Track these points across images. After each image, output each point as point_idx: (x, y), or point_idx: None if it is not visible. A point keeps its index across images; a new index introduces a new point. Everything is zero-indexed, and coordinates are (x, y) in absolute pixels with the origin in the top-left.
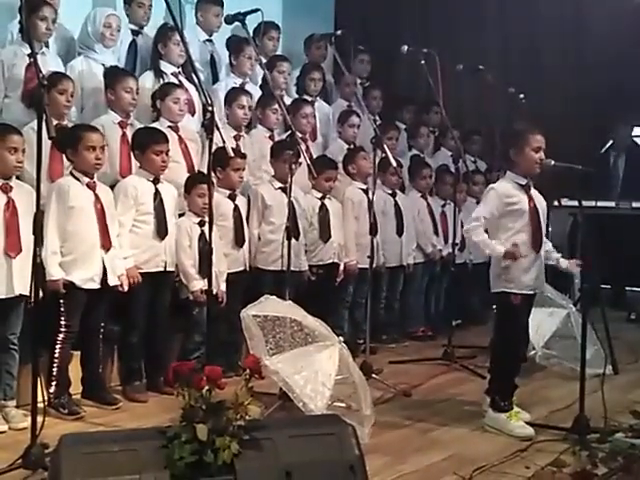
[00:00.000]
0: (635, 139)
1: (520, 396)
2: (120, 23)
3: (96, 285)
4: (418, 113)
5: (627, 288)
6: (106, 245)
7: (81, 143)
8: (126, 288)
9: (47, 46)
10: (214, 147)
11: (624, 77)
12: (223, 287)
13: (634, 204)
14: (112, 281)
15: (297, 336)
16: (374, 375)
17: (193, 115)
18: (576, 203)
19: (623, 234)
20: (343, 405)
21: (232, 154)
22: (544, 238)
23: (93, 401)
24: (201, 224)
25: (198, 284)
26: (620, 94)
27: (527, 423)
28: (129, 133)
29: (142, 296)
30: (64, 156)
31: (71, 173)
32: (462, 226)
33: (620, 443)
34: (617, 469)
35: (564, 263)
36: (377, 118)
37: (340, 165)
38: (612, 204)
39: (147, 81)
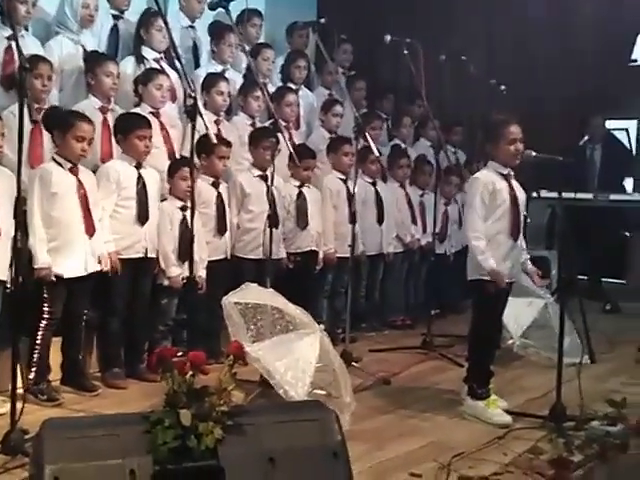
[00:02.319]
0: (612, 132)
1: (498, 384)
2: (98, 3)
3: (80, 272)
4: (400, 103)
5: (603, 279)
6: (89, 231)
7: (71, 131)
8: (107, 269)
9: (26, 29)
10: (197, 134)
11: (599, 70)
12: (203, 274)
13: (611, 196)
14: (94, 267)
15: (278, 323)
16: (354, 363)
17: (174, 101)
18: (554, 194)
19: (600, 226)
20: (323, 392)
21: (216, 141)
22: (524, 245)
23: (72, 387)
24: (183, 209)
25: (176, 270)
26: (595, 87)
27: (505, 411)
28: (110, 118)
29: (122, 282)
30: (44, 140)
31: (53, 158)
32: (447, 217)
33: (596, 431)
34: (593, 456)
35: (530, 273)
36: (361, 108)
37: (323, 153)
38: (590, 196)
39: (128, 66)
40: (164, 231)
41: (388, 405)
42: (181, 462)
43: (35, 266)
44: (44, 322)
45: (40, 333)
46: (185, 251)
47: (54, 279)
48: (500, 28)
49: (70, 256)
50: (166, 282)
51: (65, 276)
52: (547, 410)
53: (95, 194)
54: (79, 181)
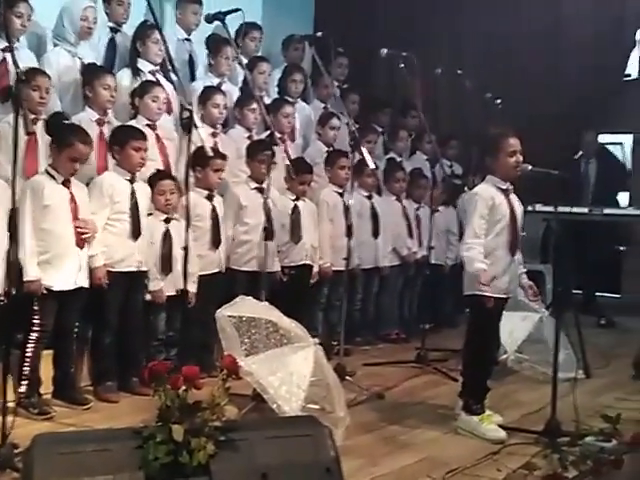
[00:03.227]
0: (607, 146)
1: (492, 399)
2: (97, 15)
3: (71, 285)
4: (396, 116)
5: (598, 293)
6: (81, 244)
7: (67, 150)
8: (86, 285)
9: (18, 40)
10: (193, 146)
11: (594, 85)
12: (193, 289)
13: (606, 210)
14: (84, 281)
15: (272, 337)
16: (348, 377)
17: (170, 114)
18: (549, 208)
19: (595, 240)
20: (317, 407)
21: (212, 154)
22: (520, 259)
23: (64, 401)
24: (166, 221)
25: (158, 284)
26: (589, 102)
27: (499, 426)
28: (106, 131)
29: (115, 296)
30: (39, 152)
31: (46, 171)
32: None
33: (590, 447)
34: (587, 472)
35: (525, 287)
36: (354, 121)
37: (320, 166)
38: (585, 210)
39: (124, 79)
40: (147, 245)
41: (382, 420)
42: (173, 478)
43: (25, 279)
44: (35, 335)
45: (31, 346)
46: (167, 265)
47: (44, 292)
48: (494, 43)
49: (61, 269)
50: (148, 297)
51: (55, 289)
52: (542, 425)
53: (87, 207)
54: (71, 194)
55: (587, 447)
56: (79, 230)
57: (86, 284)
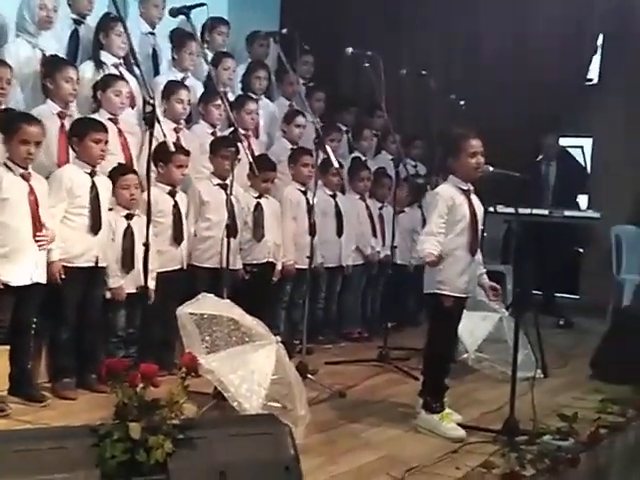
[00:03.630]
0: (568, 149)
1: (452, 398)
2: (56, 4)
3: (28, 281)
4: (361, 116)
5: (557, 294)
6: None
7: (16, 135)
8: (43, 280)
9: None
10: (155, 141)
11: (556, 89)
12: (152, 285)
13: (566, 212)
14: (41, 278)
15: (234, 335)
16: (310, 375)
17: (133, 108)
18: (511, 210)
19: (554, 241)
20: (278, 405)
21: (174, 149)
22: (480, 260)
23: (20, 398)
24: (128, 217)
25: (118, 281)
26: (551, 105)
27: (459, 425)
28: (67, 124)
29: (73, 291)
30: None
31: (5, 163)
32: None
33: (548, 445)
34: (544, 470)
35: (485, 287)
36: (319, 120)
37: (285, 163)
38: (545, 212)
39: (87, 71)
40: (108, 241)
41: (342, 418)
42: (130, 476)
43: None
44: None
45: None
46: (129, 261)
47: (1, 287)
48: (460, 44)
49: (18, 263)
50: (108, 294)
51: (12, 284)
52: (500, 424)
53: (47, 200)
54: (30, 187)
55: (545, 446)
56: (38, 238)
57: (43, 280)
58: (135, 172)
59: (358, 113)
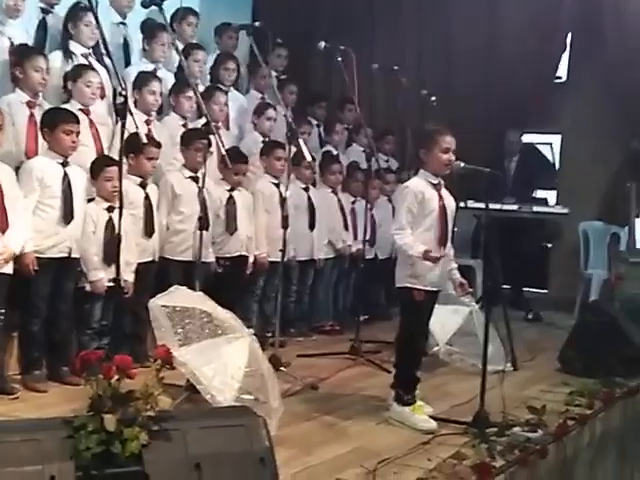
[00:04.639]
0: (536, 145)
1: (423, 390)
2: None
3: None
4: (333, 109)
5: (525, 289)
6: (2, 228)
7: None
8: (9, 270)
9: None
10: (126, 133)
11: (523, 85)
12: (130, 278)
13: (535, 208)
14: (5, 269)
15: (207, 327)
16: (282, 368)
17: (102, 99)
18: (480, 205)
19: (523, 237)
20: (251, 397)
21: (146, 141)
22: (451, 254)
23: None
24: (109, 210)
25: (98, 274)
26: (519, 102)
27: (430, 417)
28: (37, 113)
29: (44, 283)
30: None
31: None
32: (373, 222)
33: (517, 437)
34: (514, 461)
35: (454, 282)
36: (290, 112)
37: (256, 156)
38: (514, 207)
39: (56, 61)
40: (86, 234)
41: (315, 410)
42: (105, 468)
43: None
44: None
45: None
46: (111, 254)
47: None
48: (431, 40)
49: None
50: (88, 287)
51: None
52: (471, 416)
53: (13, 190)
54: None
55: (514, 437)
56: None
57: (8, 270)
58: (117, 164)
59: (329, 107)
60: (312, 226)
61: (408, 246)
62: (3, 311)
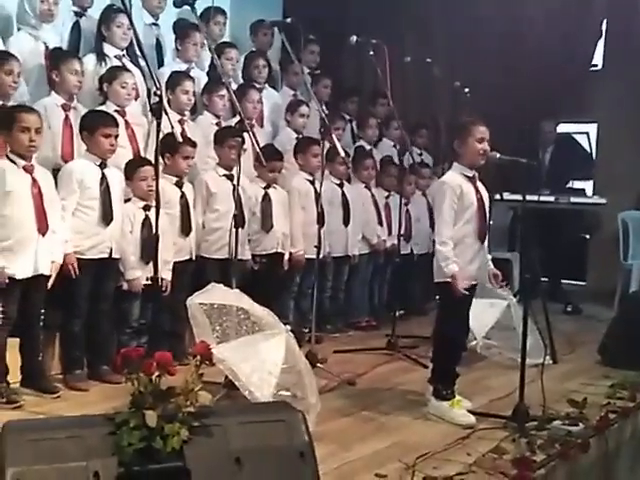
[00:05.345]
0: (573, 135)
1: (462, 385)
2: None
3: (32, 272)
4: (365, 104)
5: (563, 281)
6: (42, 230)
7: (15, 124)
8: (54, 275)
9: None
10: (161, 132)
11: (558, 74)
12: (168, 276)
13: (572, 199)
14: (45, 270)
15: (244, 324)
16: (319, 364)
17: (136, 99)
18: (516, 197)
19: (561, 228)
20: (289, 394)
21: (181, 140)
22: (486, 248)
23: (33, 390)
24: (146, 209)
25: (135, 273)
26: (554, 92)
27: (468, 411)
28: (72, 116)
29: (85, 283)
30: None
31: (7, 156)
32: (409, 217)
33: (558, 430)
34: (555, 455)
35: (489, 273)
36: (324, 108)
37: (291, 153)
38: (551, 199)
39: (90, 63)
40: (123, 233)
41: (353, 406)
42: (146, 464)
43: None
44: None
45: None
46: (148, 252)
47: (7, 280)
48: (461, 31)
49: (22, 256)
50: (125, 286)
51: (17, 277)
52: (510, 410)
53: (52, 193)
54: (33, 179)
55: (555, 431)
56: None
57: (47, 271)
58: (151, 164)
59: (362, 102)
60: (346, 222)
61: (444, 256)
62: (44, 311)
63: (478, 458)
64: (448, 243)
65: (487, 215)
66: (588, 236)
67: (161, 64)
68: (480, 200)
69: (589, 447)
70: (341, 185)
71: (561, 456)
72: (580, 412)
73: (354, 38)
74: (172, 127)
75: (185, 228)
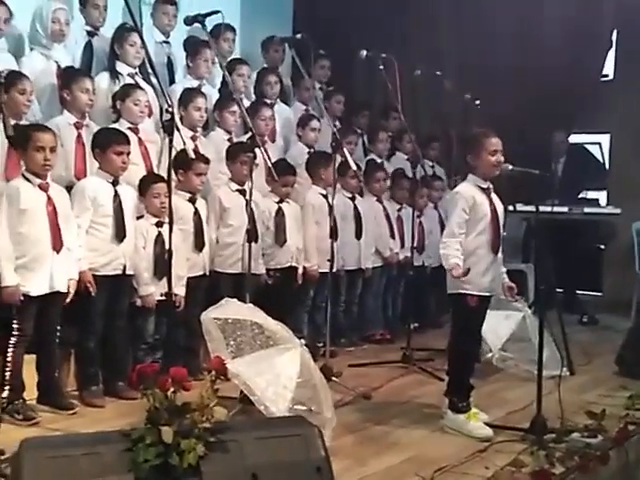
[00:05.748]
0: (584, 145)
1: (478, 397)
2: (69, 17)
3: (48, 289)
4: (375, 118)
5: (579, 292)
6: (57, 247)
7: (30, 143)
8: (72, 292)
9: None
10: (174, 149)
11: (569, 84)
12: (181, 292)
13: (586, 209)
14: (61, 287)
15: (258, 339)
16: (334, 378)
17: (149, 117)
18: (530, 208)
19: (575, 238)
20: (304, 408)
21: (194, 157)
22: (501, 259)
23: (49, 406)
24: (159, 225)
25: (149, 289)
26: (566, 102)
27: (485, 424)
28: (84, 134)
29: (99, 300)
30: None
31: (23, 175)
32: (422, 229)
33: (576, 443)
34: (574, 468)
35: (503, 285)
36: (337, 123)
37: (303, 167)
38: (565, 209)
39: (102, 82)
40: (136, 250)
41: (369, 420)
42: None
43: (2, 285)
44: (13, 339)
45: (10, 350)
46: (162, 268)
47: (22, 298)
48: (471, 43)
49: (37, 273)
50: (139, 302)
51: (33, 294)
52: (528, 422)
53: (66, 210)
54: (48, 197)
55: (573, 443)
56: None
57: (63, 288)
58: (164, 180)
59: (373, 115)
60: (359, 235)
61: (445, 256)
62: (60, 328)
63: (496, 472)
64: (449, 245)
65: (501, 227)
66: (603, 246)
67: (172, 81)
68: (494, 212)
69: (609, 459)
70: (353, 199)
71: (580, 469)
72: (599, 424)
73: (364, 53)
74: (184, 144)
75: (199, 243)
